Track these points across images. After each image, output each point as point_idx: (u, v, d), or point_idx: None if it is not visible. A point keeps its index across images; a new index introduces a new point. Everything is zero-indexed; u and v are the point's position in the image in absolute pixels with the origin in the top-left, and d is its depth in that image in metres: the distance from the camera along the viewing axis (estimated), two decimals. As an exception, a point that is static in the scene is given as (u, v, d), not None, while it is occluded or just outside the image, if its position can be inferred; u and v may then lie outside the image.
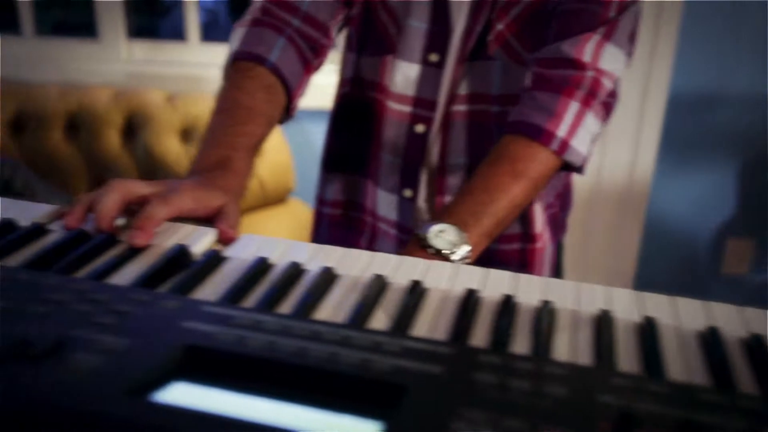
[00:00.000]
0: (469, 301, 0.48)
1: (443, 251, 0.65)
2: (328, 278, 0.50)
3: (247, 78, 0.81)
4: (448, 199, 0.91)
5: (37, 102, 1.80)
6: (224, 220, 0.60)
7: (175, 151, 1.75)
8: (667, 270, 1.98)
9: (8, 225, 0.56)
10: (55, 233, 0.56)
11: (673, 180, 1.88)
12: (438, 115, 0.88)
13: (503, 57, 0.84)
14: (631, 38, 0.82)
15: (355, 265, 0.53)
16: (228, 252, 0.54)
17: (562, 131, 0.76)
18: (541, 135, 0.75)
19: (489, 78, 0.85)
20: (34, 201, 1.35)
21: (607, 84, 0.79)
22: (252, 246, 0.55)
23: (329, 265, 0.52)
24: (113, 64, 2.01)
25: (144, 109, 1.77)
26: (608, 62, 0.79)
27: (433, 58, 0.86)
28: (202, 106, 1.79)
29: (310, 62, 0.87)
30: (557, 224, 0.99)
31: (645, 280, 1.96)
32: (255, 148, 0.77)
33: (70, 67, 1.99)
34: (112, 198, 0.57)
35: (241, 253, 0.54)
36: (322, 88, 1.97)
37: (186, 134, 1.77)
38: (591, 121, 0.78)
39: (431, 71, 0.87)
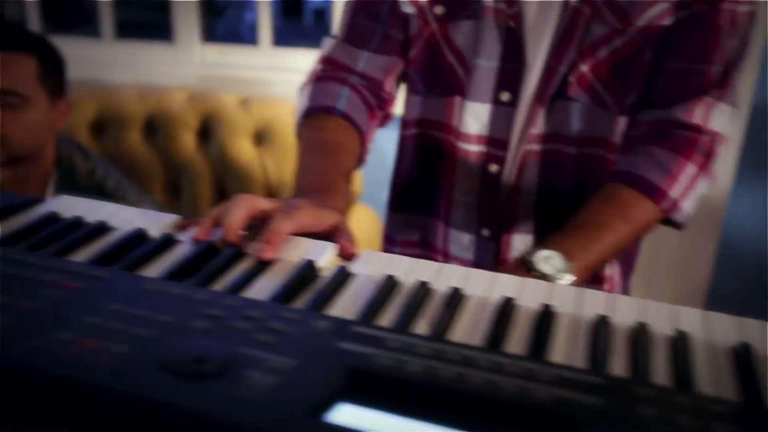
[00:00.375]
0: (602, 328, 0.48)
1: (549, 276, 0.65)
2: (457, 299, 0.51)
3: (325, 122, 0.85)
4: (515, 236, 0.89)
5: (116, 104, 1.85)
6: (343, 235, 0.61)
7: (247, 153, 1.78)
8: (740, 290, 1.93)
9: (140, 235, 0.58)
10: (185, 245, 0.57)
11: (750, 195, 1.83)
12: (511, 155, 0.86)
13: (584, 99, 0.82)
14: (735, 90, 0.80)
15: (478, 285, 0.53)
16: (354, 268, 0.55)
17: (675, 192, 0.76)
18: (654, 192, 0.75)
19: (567, 119, 0.83)
20: (127, 202, 1.39)
21: (720, 147, 0.79)
22: (375, 262, 0.56)
23: (454, 285, 0.53)
24: (187, 67, 2.05)
25: (218, 112, 1.81)
26: (720, 123, 0.78)
27: (505, 97, 0.84)
28: (275, 110, 1.81)
29: (375, 110, 0.90)
30: (628, 262, 0.97)
31: (717, 300, 1.91)
32: (349, 176, 0.80)
33: (147, 69, 2.05)
34: (239, 212, 0.59)
35: (366, 270, 0.55)
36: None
37: (259, 137, 1.80)
38: (702, 185, 0.79)
39: (503, 110, 0.84)
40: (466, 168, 0.89)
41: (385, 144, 2.03)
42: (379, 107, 0.91)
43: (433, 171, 0.93)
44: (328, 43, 0.93)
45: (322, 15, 9.33)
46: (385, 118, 0.93)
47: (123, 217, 0.61)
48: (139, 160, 1.83)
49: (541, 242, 0.69)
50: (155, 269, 0.53)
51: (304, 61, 2.06)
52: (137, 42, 2.15)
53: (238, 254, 0.56)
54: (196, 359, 0.36)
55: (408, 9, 0.87)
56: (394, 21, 0.89)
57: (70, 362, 0.36)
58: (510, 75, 0.83)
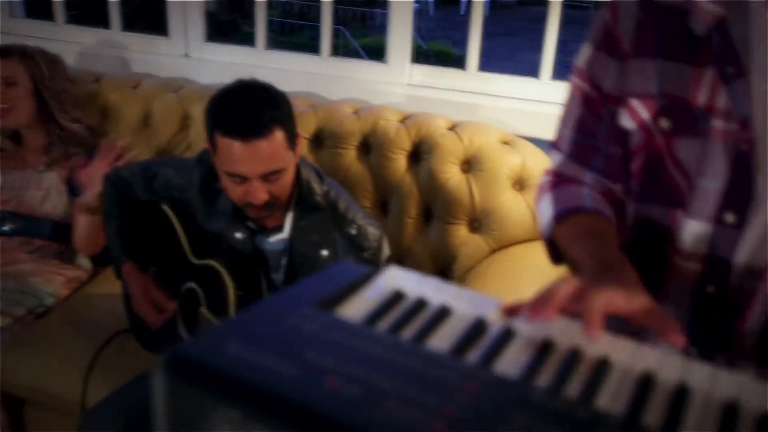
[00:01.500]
0: None
1: None
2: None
3: (581, 219, 0.89)
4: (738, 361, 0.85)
5: (335, 121, 1.98)
6: (669, 332, 0.64)
7: (455, 179, 1.86)
8: None
9: (481, 323, 0.65)
10: (522, 340, 0.63)
11: None
12: (735, 278, 0.82)
13: None
14: None
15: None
16: (690, 379, 0.59)
17: None
18: None
19: None
20: (354, 224, 1.49)
21: None
22: (703, 373, 0.60)
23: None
24: (397, 86, 2.15)
25: (429, 137, 1.89)
26: None
27: (729, 218, 0.80)
28: (484, 137, 1.87)
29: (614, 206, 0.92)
30: None
31: None
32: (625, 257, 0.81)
33: (359, 85, 2.18)
34: (568, 289, 0.64)
35: (702, 384, 0.58)
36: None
37: (467, 164, 1.86)
38: None
39: (726, 231, 0.81)
40: (679, 284, 0.87)
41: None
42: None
43: (644, 280, 0.91)
44: (554, 158, 0.98)
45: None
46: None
47: (449, 295, 0.69)
48: (353, 175, 1.95)
49: None
50: (509, 364, 0.59)
51: (508, 87, 2.10)
52: (352, 60, 2.29)
53: (575, 354, 0.61)
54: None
55: (628, 124, 0.87)
56: (613, 139, 0.90)
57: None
58: (737, 197, 0.80)
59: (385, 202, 1.95)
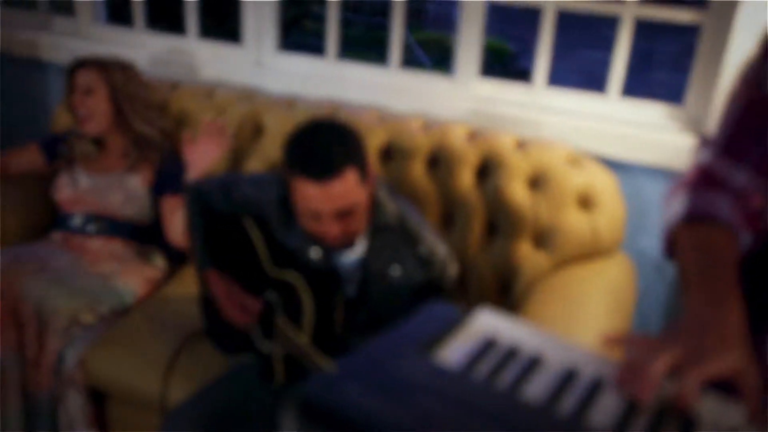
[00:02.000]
0: None
1: None
2: None
3: (710, 228, 0.90)
4: None
5: (404, 135, 2.03)
6: (752, 406, 0.66)
7: (521, 197, 1.88)
8: None
9: (571, 375, 0.69)
10: (610, 396, 0.67)
11: None
12: None
13: None
14: None
15: None
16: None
17: None
18: None
19: None
20: (424, 242, 1.54)
21: None
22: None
23: None
24: (464, 100, 2.19)
25: (496, 153, 1.92)
26: None
27: None
28: (550, 154, 1.89)
29: (750, 222, 0.92)
30: None
31: None
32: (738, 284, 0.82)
33: (426, 98, 2.22)
34: (662, 366, 0.67)
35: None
36: (658, 144, 1.99)
37: (533, 182, 1.89)
38: None
39: None
40: None
41: (648, 195, 2.03)
42: (750, 221, 0.93)
43: None
44: (703, 154, 0.98)
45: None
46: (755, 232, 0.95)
47: (539, 342, 0.74)
48: (419, 189, 1.99)
49: None
50: (602, 414, 0.63)
51: (575, 103, 2.12)
52: (420, 73, 2.33)
53: (660, 414, 0.65)
54: None
55: None
56: None
57: None
58: None
59: (450, 216, 1.99)
